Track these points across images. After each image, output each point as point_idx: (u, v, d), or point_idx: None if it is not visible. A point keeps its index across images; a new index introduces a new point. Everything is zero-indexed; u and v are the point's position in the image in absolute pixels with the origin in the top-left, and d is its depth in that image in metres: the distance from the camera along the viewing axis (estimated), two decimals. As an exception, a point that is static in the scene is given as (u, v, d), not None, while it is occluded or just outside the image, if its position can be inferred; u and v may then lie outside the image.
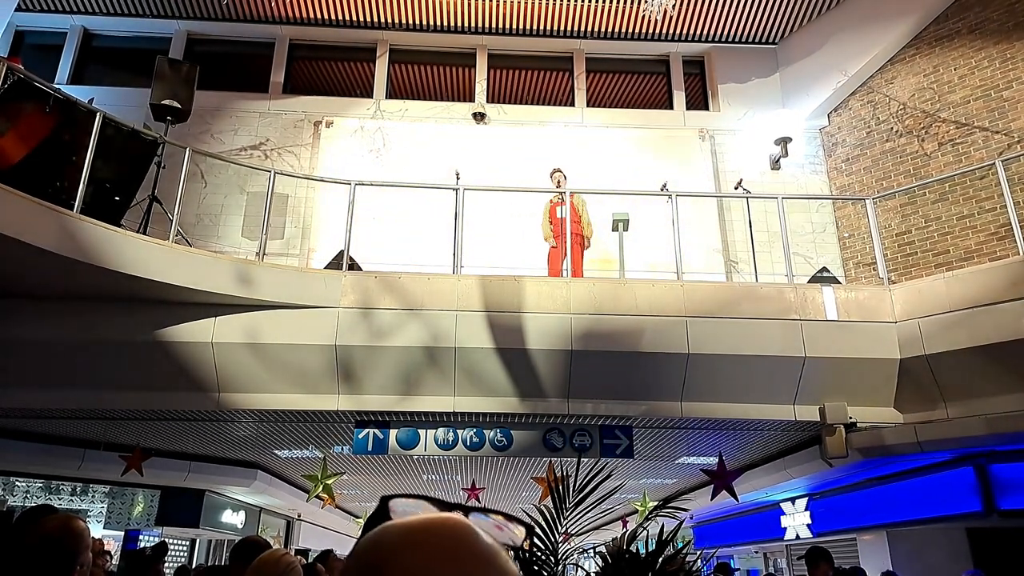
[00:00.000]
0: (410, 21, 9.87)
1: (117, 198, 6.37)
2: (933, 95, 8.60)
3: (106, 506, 9.58)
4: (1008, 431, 6.03)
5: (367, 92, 9.75)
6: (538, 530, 4.13)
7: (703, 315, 6.41)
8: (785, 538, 10.64)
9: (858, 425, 6.60)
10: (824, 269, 7.66)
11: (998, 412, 6.04)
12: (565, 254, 7.37)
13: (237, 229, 8.59)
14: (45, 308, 5.93)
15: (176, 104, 7.36)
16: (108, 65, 9.99)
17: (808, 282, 7.10)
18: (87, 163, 5.76)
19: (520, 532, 0.59)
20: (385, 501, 0.58)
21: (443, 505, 0.57)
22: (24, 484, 9.20)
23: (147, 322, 6.00)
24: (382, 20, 9.83)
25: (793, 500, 10.29)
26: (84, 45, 9.91)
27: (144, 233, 6.25)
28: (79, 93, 6.94)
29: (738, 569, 14.05)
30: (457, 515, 0.53)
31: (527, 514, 4.18)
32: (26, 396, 6.20)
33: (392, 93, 9.80)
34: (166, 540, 7.74)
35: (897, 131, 8.80)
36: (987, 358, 6.00)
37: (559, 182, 8.10)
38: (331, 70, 10.12)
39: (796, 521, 10.24)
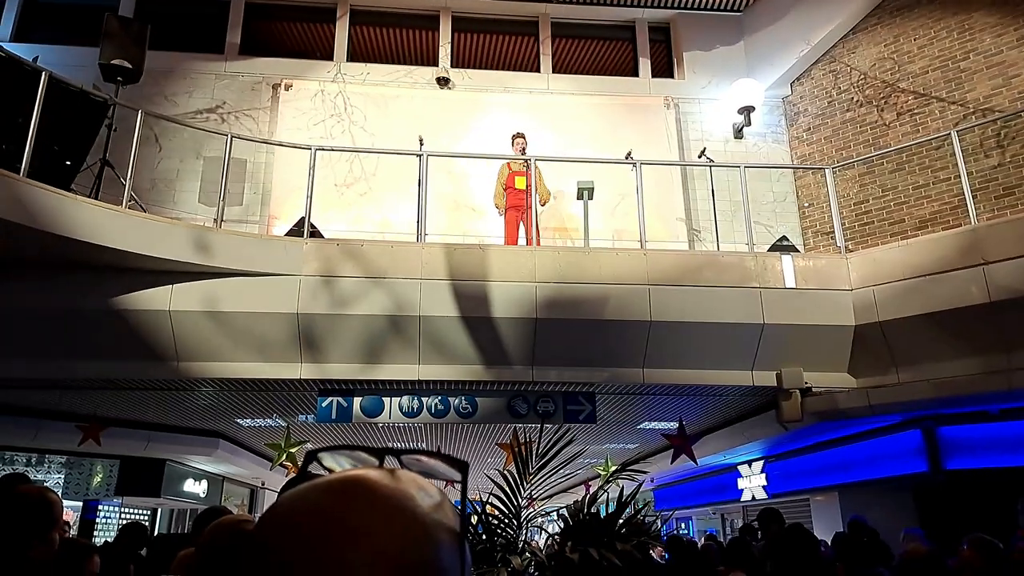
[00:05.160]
0: (372, -19, 9.61)
1: (67, 162, 6.14)
2: (893, 65, 8.70)
3: (63, 476, 9.42)
4: (954, 395, 6.26)
5: (327, 54, 9.50)
6: (500, 494, 4.18)
7: (666, 283, 6.48)
8: (742, 499, 10.97)
9: (813, 390, 6.79)
10: (784, 238, 7.79)
11: (946, 377, 6.26)
12: (519, 223, 7.37)
13: (194, 195, 8.37)
14: (-5, 276, 5.74)
15: (127, 64, 7.07)
16: (53, 22, 9.54)
17: (768, 251, 7.21)
18: (33, 125, 5.52)
19: (455, 471, 0.57)
20: (310, 456, 0.57)
21: (372, 451, 0.56)
22: (-25, 455, 9.00)
23: (101, 290, 5.85)
24: (343, -21, 9.55)
25: (750, 463, 10.60)
26: (28, 1, 9.44)
27: (96, 198, 6.05)
28: (22, 52, 6.63)
29: (692, 532, 14.48)
30: (362, 471, 0.51)
31: (492, 480, 4.24)
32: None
33: (353, 56, 9.55)
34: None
35: (858, 101, 8.90)
36: (937, 325, 6.19)
37: (523, 148, 8.03)
38: (290, 31, 9.81)
39: (752, 483, 10.56)
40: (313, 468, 0.56)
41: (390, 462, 0.56)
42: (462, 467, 0.57)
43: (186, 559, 1.83)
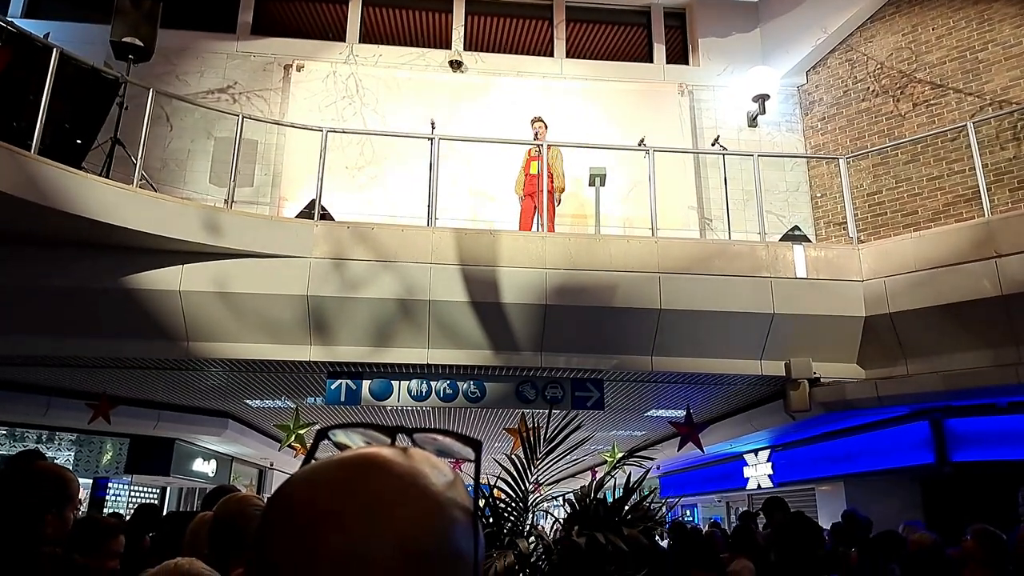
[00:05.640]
0: (384, -38, 9.53)
1: (78, 140, 6.14)
2: (910, 55, 8.60)
3: (73, 454, 9.51)
4: (963, 387, 6.25)
5: (340, 36, 9.44)
6: (508, 479, 4.19)
7: (676, 271, 6.46)
8: (747, 488, 10.99)
9: (822, 380, 6.78)
10: (796, 228, 7.74)
11: (955, 369, 6.23)
12: (536, 210, 7.33)
13: (204, 175, 8.37)
14: (6, 252, 5.75)
15: (138, 42, 7.05)
16: (65, -1, 9.52)
17: (780, 240, 7.17)
18: (44, 102, 5.51)
19: (468, 450, 0.57)
20: (322, 434, 0.57)
21: (384, 429, 0.56)
22: (-12, 430, 9.10)
23: (112, 268, 5.87)
24: (355, -40, 9.48)
25: (756, 452, 10.61)
26: (39, -24, 9.41)
27: (107, 177, 6.05)
28: (34, 28, 6.61)
29: (699, 519, 14.54)
30: (375, 449, 0.51)
31: (500, 464, 4.25)
32: (-12, 342, 6.07)
33: (366, 37, 9.50)
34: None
35: (873, 91, 8.81)
36: (947, 317, 6.16)
37: (538, 133, 7.99)
38: (302, 11, 9.75)
39: (758, 472, 10.57)
40: (325, 445, 0.56)
41: (402, 440, 0.55)
42: (475, 446, 0.56)
43: (197, 528, 1.84)
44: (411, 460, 0.50)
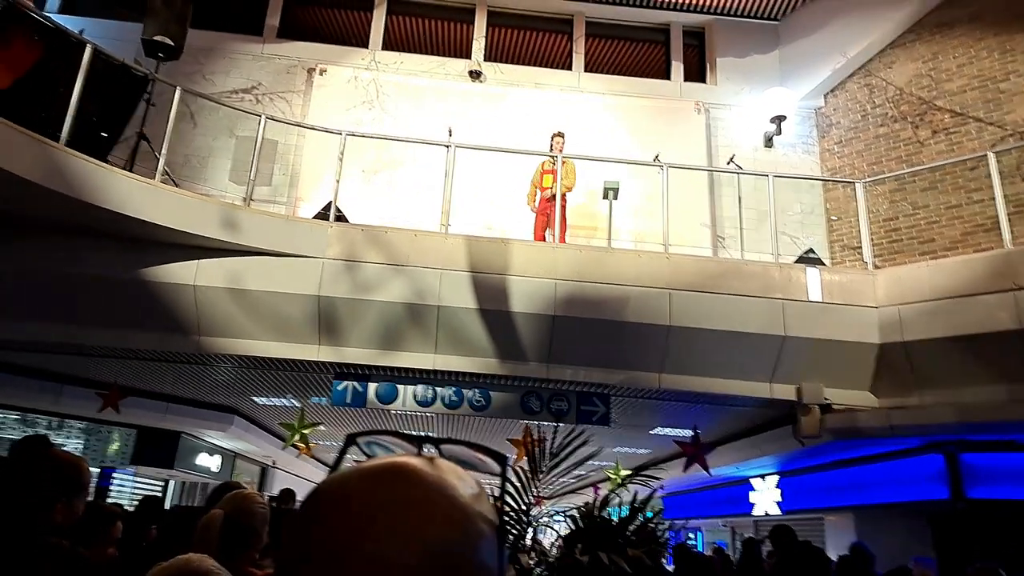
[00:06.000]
0: (410, -28, 9.65)
1: (104, 133, 6.24)
2: (930, 82, 8.56)
3: (82, 442, 9.59)
4: (979, 421, 6.13)
5: (363, 42, 9.56)
6: (511, 490, 4.17)
7: (687, 288, 6.44)
8: (753, 513, 10.85)
9: (833, 407, 6.70)
10: (810, 250, 7.71)
11: (970, 402, 6.13)
12: (548, 225, 7.34)
13: (224, 172, 8.47)
14: (27, 239, 5.86)
15: (168, 41, 7.16)
16: (100, -4, 9.70)
17: (794, 262, 7.14)
18: (75, 95, 5.62)
19: (494, 463, 0.58)
20: (350, 439, 0.57)
21: (411, 438, 0.56)
22: (0, 415, 9.19)
23: (129, 260, 5.95)
24: (382, -31, 9.60)
25: (763, 477, 10.47)
26: (75, -25, 9.61)
27: (130, 171, 6.14)
28: (69, 23, 6.75)
29: (704, 543, 14.36)
30: (404, 458, 0.52)
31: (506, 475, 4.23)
32: (5, 328, 6.16)
33: (388, 44, 9.61)
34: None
35: (892, 116, 8.77)
36: (964, 348, 6.07)
37: (560, 149, 7.97)
38: (327, 17, 9.90)
39: (765, 498, 10.44)
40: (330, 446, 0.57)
41: (428, 450, 0.56)
42: (501, 460, 0.57)
43: (208, 524, 1.86)
44: (439, 471, 0.51)
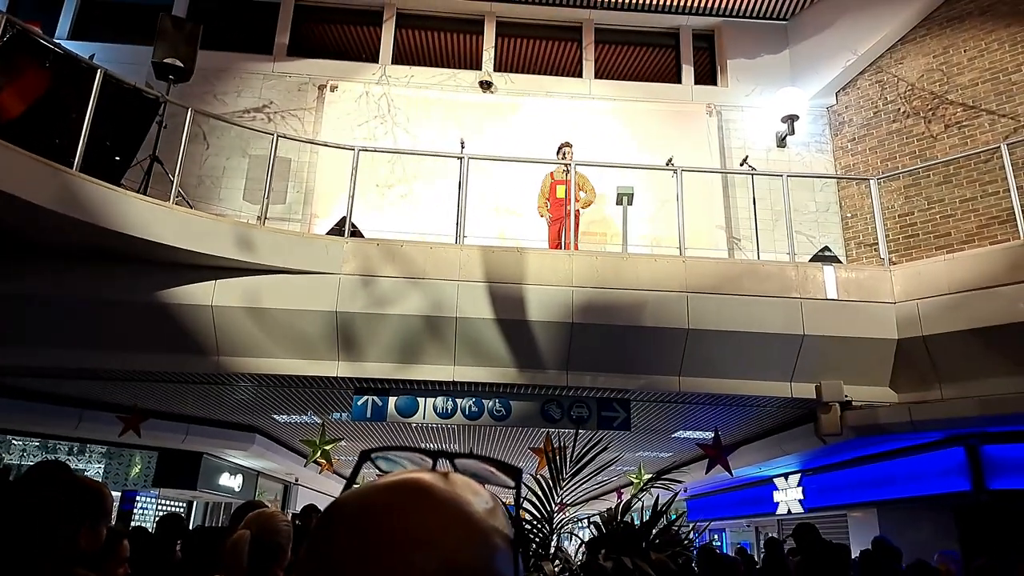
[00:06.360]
0: (417, -15, 9.72)
1: (117, 157, 6.30)
2: (942, 76, 8.52)
3: (103, 466, 9.64)
4: (1001, 413, 6.09)
5: (373, 57, 9.62)
6: (533, 499, 4.17)
7: (704, 291, 6.42)
8: (777, 513, 10.78)
9: (853, 404, 6.66)
10: (826, 248, 7.66)
11: (991, 394, 6.09)
12: (562, 233, 7.34)
13: (239, 192, 8.53)
14: (44, 266, 5.90)
15: (178, 63, 7.25)
16: (110, 21, 9.82)
17: (810, 261, 7.10)
18: (87, 121, 5.68)
19: (508, 477, 0.58)
20: (365, 456, 0.58)
21: (425, 453, 0.57)
22: (20, 442, 9.25)
23: (146, 283, 5.98)
24: (388, -17, 9.68)
25: (786, 476, 10.41)
26: (85, 0, 9.75)
27: (144, 193, 6.20)
28: (79, 49, 6.83)
29: (729, 543, 14.28)
30: (419, 474, 0.52)
31: (525, 485, 4.23)
32: (24, 354, 6.19)
33: (398, 58, 9.67)
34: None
35: (904, 112, 8.73)
36: (983, 341, 6.04)
37: (565, 156, 8.00)
38: (337, 33, 9.97)
39: (788, 496, 10.37)
40: (367, 467, 0.58)
41: (443, 465, 0.56)
42: (515, 474, 0.57)
43: (236, 544, 1.87)
44: (453, 486, 0.51)
